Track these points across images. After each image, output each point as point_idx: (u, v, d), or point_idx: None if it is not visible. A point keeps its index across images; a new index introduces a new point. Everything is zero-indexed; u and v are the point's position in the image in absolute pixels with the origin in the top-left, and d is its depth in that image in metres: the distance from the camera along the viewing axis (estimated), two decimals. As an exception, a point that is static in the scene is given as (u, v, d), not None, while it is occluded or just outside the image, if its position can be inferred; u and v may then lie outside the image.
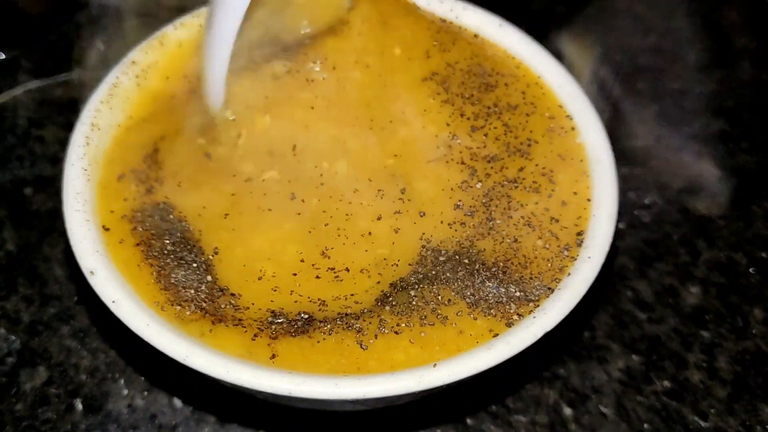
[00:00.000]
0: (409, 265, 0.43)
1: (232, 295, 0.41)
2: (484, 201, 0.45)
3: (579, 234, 0.44)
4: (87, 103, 0.47)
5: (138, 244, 0.42)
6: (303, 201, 0.44)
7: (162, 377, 0.50)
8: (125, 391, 0.50)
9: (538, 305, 0.40)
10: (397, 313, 0.40)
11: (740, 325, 0.55)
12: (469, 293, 0.41)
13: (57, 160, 0.61)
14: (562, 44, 0.67)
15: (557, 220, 0.44)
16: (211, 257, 0.42)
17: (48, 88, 0.66)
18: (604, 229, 0.43)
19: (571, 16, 0.75)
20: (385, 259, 0.43)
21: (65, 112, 0.65)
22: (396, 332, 0.39)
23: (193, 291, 0.40)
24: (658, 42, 0.73)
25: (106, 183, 0.45)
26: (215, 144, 0.46)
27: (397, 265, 0.43)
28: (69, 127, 0.63)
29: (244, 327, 0.39)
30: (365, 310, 0.40)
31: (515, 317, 0.40)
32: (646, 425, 0.50)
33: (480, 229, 0.44)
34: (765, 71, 0.71)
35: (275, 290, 0.41)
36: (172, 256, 0.42)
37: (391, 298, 0.41)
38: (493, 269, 0.42)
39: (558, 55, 0.54)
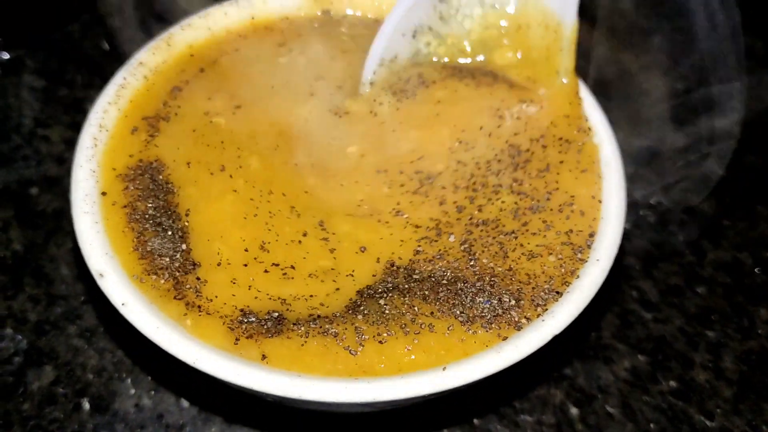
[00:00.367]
0: (374, 276, 0.43)
1: (198, 279, 0.42)
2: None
3: (590, 236, 0.44)
4: (94, 104, 0.47)
5: (125, 206, 0.44)
6: (279, 194, 0.46)
7: (169, 377, 0.50)
8: (132, 391, 0.50)
9: (546, 309, 0.40)
10: (373, 322, 0.40)
11: (746, 325, 0.55)
12: (458, 312, 0.41)
13: (63, 160, 0.61)
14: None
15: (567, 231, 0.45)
16: (186, 224, 0.44)
17: (53, 88, 0.66)
18: (612, 233, 0.43)
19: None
20: (332, 268, 0.43)
21: (70, 111, 0.65)
22: (380, 342, 0.39)
23: (168, 259, 0.42)
24: (662, 41, 0.73)
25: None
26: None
27: (353, 276, 0.43)
28: (74, 126, 0.63)
29: (223, 322, 0.40)
30: (337, 315, 0.41)
31: (524, 321, 0.40)
32: (652, 425, 0.50)
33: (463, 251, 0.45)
34: (770, 70, 0.72)
35: (234, 283, 0.42)
36: (151, 222, 0.44)
37: (362, 307, 0.41)
38: (479, 284, 0.42)
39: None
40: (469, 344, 0.39)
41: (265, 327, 0.40)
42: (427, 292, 0.41)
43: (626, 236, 0.59)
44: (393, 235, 0.45)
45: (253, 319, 0.40)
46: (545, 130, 0.49)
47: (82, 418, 0.49)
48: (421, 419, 0.49)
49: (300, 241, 0.44)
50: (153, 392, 0.50)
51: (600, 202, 0.45)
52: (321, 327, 0.40)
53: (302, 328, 0.40)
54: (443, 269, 0.43)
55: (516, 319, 0.40)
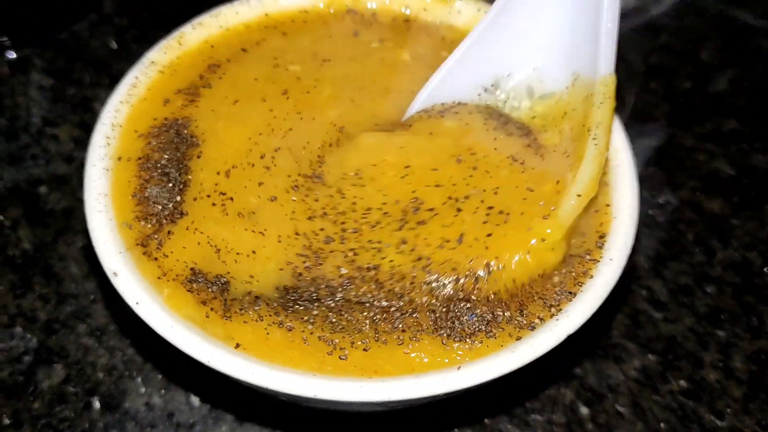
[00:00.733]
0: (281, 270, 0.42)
1: (169, 233, 0.42)
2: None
3: (601, 237, 0.44)
4: (106, 102, 0.47)
5: (139, 159, 0.45)
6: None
7: (179, 375, 0.50)
8: (143, 389, 0.50)
9: (560, 309, 0.40)
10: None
11: (755, 325, 0.55)
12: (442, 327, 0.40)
13: (71, 159, 0.61)
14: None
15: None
16: (189, 177, 0.45)
17: (61, 87, 0.66)
18: (624, 233, 0.43)
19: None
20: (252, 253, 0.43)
21: (79, 110, 0.64)
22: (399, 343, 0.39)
23: (160, 207, 0.43)
24: (669, 41, 0.73)
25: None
26: None
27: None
28: (83, 125, 0.63)
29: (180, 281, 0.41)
30: (266, 300, 0.41)
31: (537, 321, 0.40)
32: (662, 424, 0.50)
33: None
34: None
35: (187, 229, 0.43)
36: (160, 171, 0.45)
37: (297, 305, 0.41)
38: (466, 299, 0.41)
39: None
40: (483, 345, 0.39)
41: (212, 290, 0.40)
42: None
43: (635, 236, 0.58)
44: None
45: (201, 279, 0.41)
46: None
47: (92, 416, 0.49)
48: (432, 418, 0.50)
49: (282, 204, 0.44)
50: (163, 391, 0.50)
51: (608, 206, 0.45)
52: (256, 307, 0.40)
53: (241, 303, 0.40)
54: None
55: (529, 320, 0.40)
